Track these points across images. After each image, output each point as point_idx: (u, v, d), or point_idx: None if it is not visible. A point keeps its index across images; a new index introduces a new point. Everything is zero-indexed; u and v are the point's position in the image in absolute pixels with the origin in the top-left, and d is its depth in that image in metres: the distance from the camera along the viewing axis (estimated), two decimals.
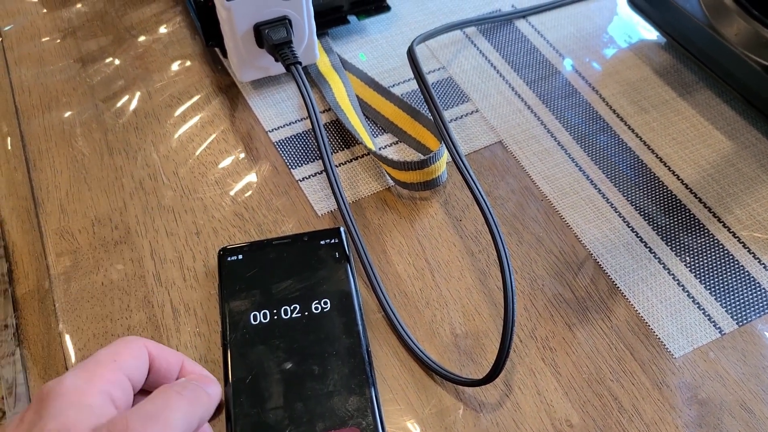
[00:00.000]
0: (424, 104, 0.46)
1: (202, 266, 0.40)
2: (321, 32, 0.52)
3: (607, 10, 0.56)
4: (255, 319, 0.37)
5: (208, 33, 0.49)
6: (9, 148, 0.47)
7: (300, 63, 0.45)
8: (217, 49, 0.52)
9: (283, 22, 0.45)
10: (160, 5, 0.56)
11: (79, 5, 0.56)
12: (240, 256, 0.39)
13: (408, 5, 0.56)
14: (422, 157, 0.45)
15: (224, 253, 0.39)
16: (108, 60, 0.52)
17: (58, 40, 0.53)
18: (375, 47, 0.53)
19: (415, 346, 0.36)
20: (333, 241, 0.40)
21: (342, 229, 0.40)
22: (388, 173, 0.44)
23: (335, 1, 0.52)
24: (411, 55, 0.46)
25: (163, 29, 0.54)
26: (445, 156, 0.43)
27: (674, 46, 0.50)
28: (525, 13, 0.55)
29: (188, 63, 0.52)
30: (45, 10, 0.56)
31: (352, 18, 0.53)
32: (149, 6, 0.56)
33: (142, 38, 0.53)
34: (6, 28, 0.54)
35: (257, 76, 0.49)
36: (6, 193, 0.44)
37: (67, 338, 0.37)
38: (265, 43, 0.45)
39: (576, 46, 0.53)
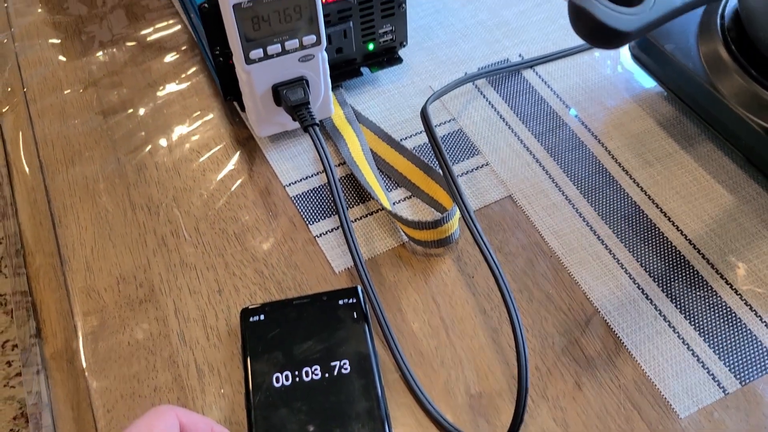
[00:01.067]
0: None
1: (225, 325, 0.42)
2: (335, 84, 0.54)
3: (611, 60, 0.57)
4: (278, 381, 0.38)
5: (227, 88, 0.51)
6: (35, 203, 0.48)
7: (317, 124, 0.46)
8: (235, 103, 0.53)
9: (301, 82, 0.47)
10: (179, 56, 0.57)
11: (98, 54, 0.58)
12: (262, 317, 0.41)
13: (419, 55, 0.58)
14: (435, 214, 0.47)
15: (246, 313, 0.41)
16: (129, 111, 0.54)
17: (80, 91, 0.55)
18: (388, 98, 0.55)
19: (432, 407, 0.38)
20: (351, 300, 0.41)
21: (359, 288, 0.42)
22: (402, 230, 0.46)
23: (349, 55, 0.53)
24: (424, 115, 0.48)
25: (181, 80, 0.56)
26: (458, 215, 0.45)
27: (676, 100, 0.52)
28: (532, 63, 0.57)
29: (207, 115, 0.53)
30: (65, 59, 0.57)
31: (365, 70, 0.55)
32: (168, 57, 0.57)
33: (161, 89, 0.55)
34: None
35: (275, 131, 0.50)
36: (33, 249, 0.46)
37: (96, 399, 0.39)
38: (283, 103, 0.47)
39: (582, 96, 0.55)
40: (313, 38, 0.45)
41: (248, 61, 0.45)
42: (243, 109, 0.52)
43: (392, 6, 0.52)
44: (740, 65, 0.48)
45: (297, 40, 0.45)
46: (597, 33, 0.27)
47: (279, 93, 0.47)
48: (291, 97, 0.46)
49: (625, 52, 0.57)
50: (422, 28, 0.60)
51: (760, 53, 0.47)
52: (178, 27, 0.60)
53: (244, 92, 0.48)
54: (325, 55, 0.47)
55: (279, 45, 0.45)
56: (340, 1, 0.50)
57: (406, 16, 0.53)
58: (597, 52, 0.58)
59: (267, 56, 0.45)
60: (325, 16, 0.50)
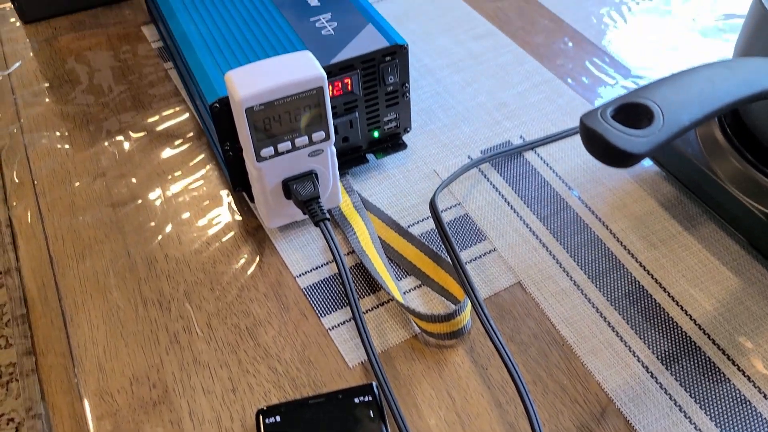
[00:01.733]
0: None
1: (240, 426, 0.41)
2: (342, 172, 0.55)
3: None
4: None
5: (236, 180, 0.51)
6: (47, 300, 0.48)
7: (328, 219, 0.47)
8: (244, 193, 0.54)
9: (310, 176, 0.48)
10: (187, 144, 0.58)
11: (106, 144, 0.58)
12: (277, 418, 0.41)
13: (422, 139, 0.59)
14: (447, 304, 0.47)
15: (262, 415, 0.41)
16: (138, 202, 0.54)
17: (89, 183, 0.55)
18: (393, 184, 0.56)
19: None
20: (367, 398, 0.41)
21: (374, 384, 0.42)
22: (414, 322, 0.46)
23: (355, 143, 0.54)
24: (433, 207, 0.48)
25: (189, 169, 0.56)
26: (470, 307, 0.45)
27: (676, 181, 0.53)
28: (533, 145, 0.58)
29: (216, 205, 0.54)
30: (74, 150, 0.58)
31: (370, 156, 0.56)
32: (175, 145, 0.58)
33: (169, 178, 0.56)
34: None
35: (284, 222, 0.51)
36: (44, 349, 0.46)
37: None
38: (294, 198, 0.48)
39: (584, 178, 0.56)
40: (322, 134, 0.46)
41: (259, 158, 0.45)
42: (252, 199, 0.53)
43: (396, 96, 0.54)
44: (737, 150, 0.49)
45: (306, 137, 0.46)
46: (609, 155, 0.28)
47: (289, 187, 0.47)
48: (301, 191, 0.47)
49: None
50: (424, 111, 0.62)
51: (756, 139, 0.48)
52: (186, 115, 0.61)
53: (254, 186, 0.48)
54: (334, 149, 0.48)
55: (289, 142, 0.46)
56: (346, 93, 0.51)
57: (409, 105, 0.55)
58: None
59: (278, 153, 0.46)
60: (331, 108, 0.51)
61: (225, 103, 0.47)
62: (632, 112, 0.29)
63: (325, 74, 0.44)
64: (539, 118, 0.61)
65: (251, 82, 0.43)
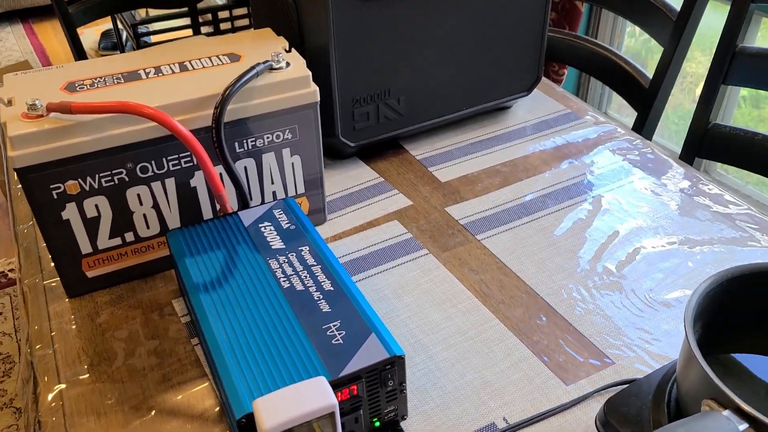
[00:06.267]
0: None
1: None
2: None
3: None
4: None
5: None
6: None
7: None
8: None
9: None
10: (212, 427, 0.66)
11: (138, 423, 0.66)
12: None
13: (417, 421, 0.67)
14: None
15: None
16: None
17: None
18: None
19: None
20: None
21: None
22: None
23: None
24: None
25: None
26: None
27: None
28: (515, 428, 0.66)
29: None
30: (111, 430, 0.65)
31: None
32: (194, 424, 0.66)
33: None
34: None
35: None
36: None
37: None
38: None
39: None
40: None
41: None
42: None
43: (395, 393, 0.62)
44: None
45: None
46: None
47: None
48: None
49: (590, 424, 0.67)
50: (418, 390, 0.70)
51: None
52: (212, 399, 0.69)
53: None
54: None
55: None
56: (352, 397, 0.60)
57: (406, 398, 0.63)
58: (569, 415, 0.68)
59: None
60: (339, 409, 0.59)
61: (250, 418, 0.55)
62: None
63: (336, 402, 0.53)
64: (519, 399, 0.69)
65: (275, 413, 0.52)
